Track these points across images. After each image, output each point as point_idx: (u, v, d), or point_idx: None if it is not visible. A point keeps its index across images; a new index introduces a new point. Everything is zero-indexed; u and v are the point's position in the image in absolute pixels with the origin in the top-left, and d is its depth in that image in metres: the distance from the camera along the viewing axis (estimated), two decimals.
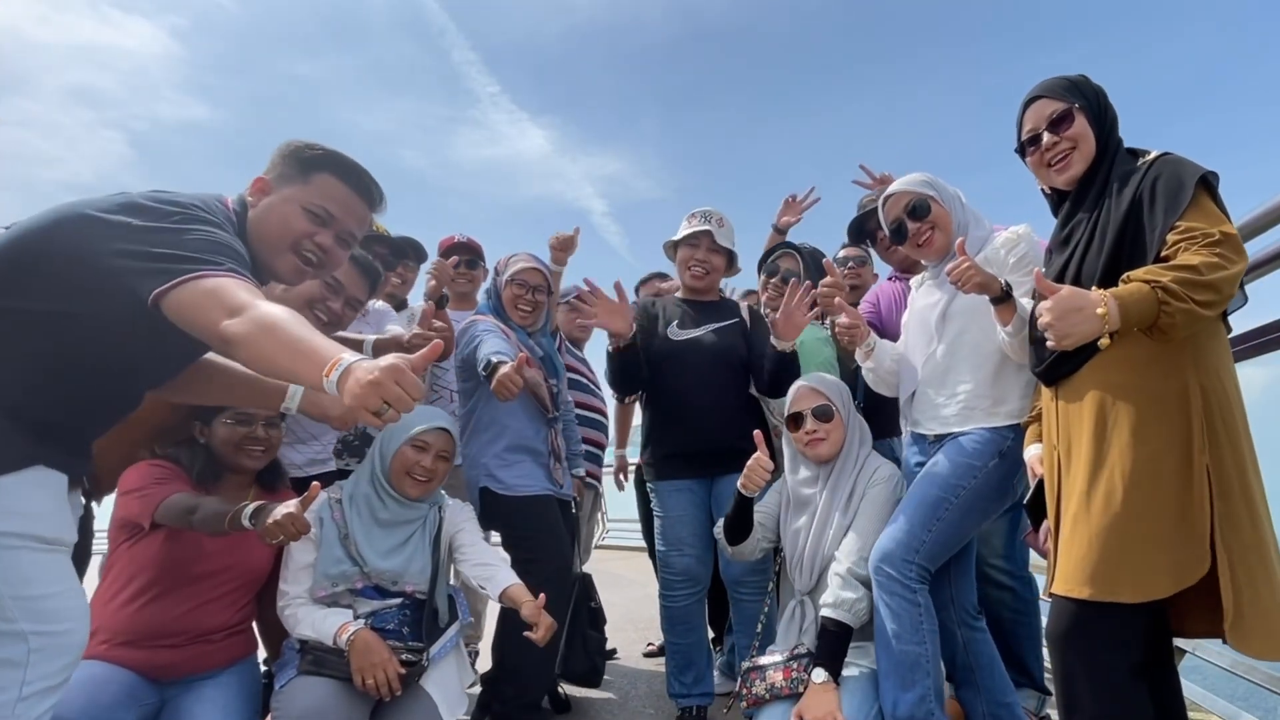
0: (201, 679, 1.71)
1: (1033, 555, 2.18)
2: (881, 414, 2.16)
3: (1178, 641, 1.73)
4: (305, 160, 1.34)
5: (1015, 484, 1.72)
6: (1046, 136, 1.49)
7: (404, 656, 1.68)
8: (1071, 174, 1.49)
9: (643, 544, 3.23)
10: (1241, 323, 1.64)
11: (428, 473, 1.86)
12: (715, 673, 2.49)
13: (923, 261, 1.97)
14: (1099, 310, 1.22)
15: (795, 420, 1.99)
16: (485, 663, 2.30)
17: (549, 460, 2.30)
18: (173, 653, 1.66)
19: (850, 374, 2.23)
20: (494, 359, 1.97)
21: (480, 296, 2.62)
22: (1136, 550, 1.24)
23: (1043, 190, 1.60)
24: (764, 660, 1.82)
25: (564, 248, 2.56)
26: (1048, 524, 1.43)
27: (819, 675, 1.69)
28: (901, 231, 1.88)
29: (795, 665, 1.76)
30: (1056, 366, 1.42)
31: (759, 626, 2.08)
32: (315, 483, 1.55)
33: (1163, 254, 1.28)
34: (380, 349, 2.05)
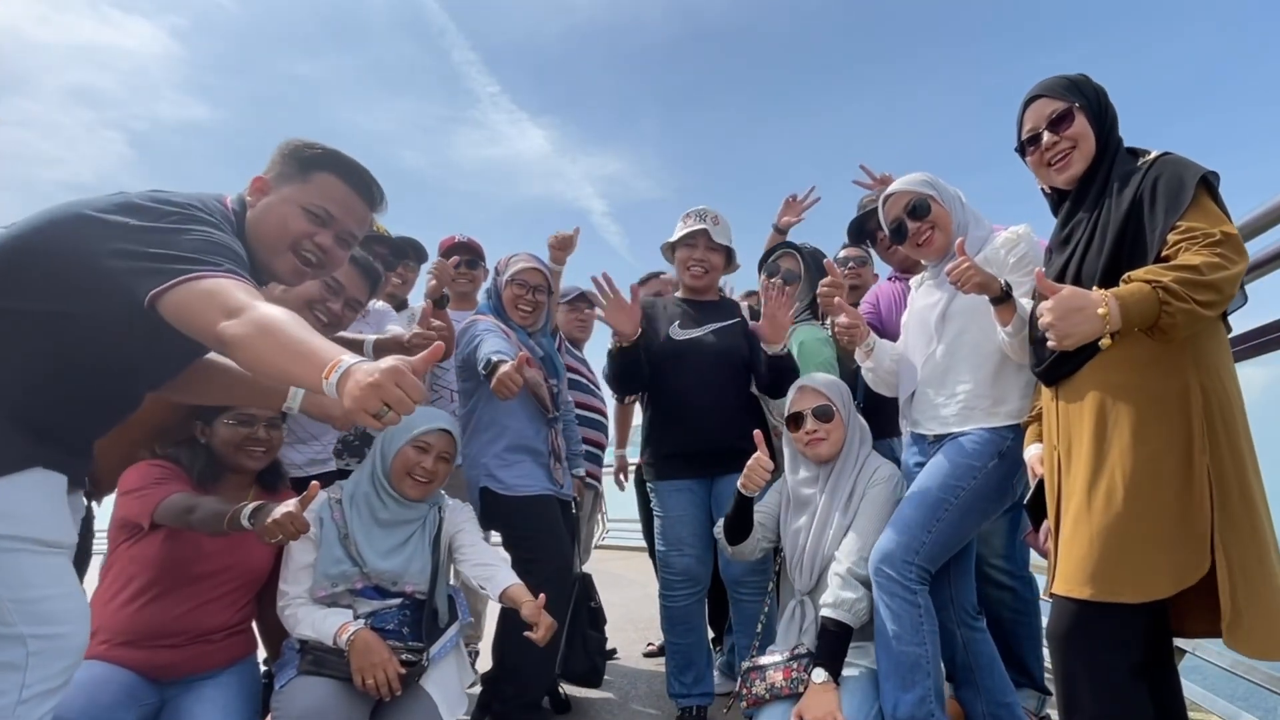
0: (201, 679, 1.71)
1: (1033, 555, 2.18)
2: (881, 414, 2.16)
3: (1178, 641, 1.72)
4: (305, 159, 1.33)
5: (1015, 484, 1.72)
6: (1046, 136, 1.49)
7: (404, 656, 1.68)
8: (1071, 173, 1.49)
9: (643, 544, 3.24)
10: (1241, 323, 1.65)
11: (429, 474, 1.86)
12: (715, 673, 2.49)
13: (923, 261, 1.97)
14: (1100, 310, 1.22)
15: (795, 420, 1.99)
16: (485, 663, 2.30)
17: (549, 460, 2.30)
18: (173, 653, 1.66)
19: (850, 374, 2.23)
20: (494, 358, 1.97)
21: (480, 296, 2.62)
22: (1137, 550, 1.24)
23: (1043, 190, 1.60)
24: (764, 660, 1.82)
25: (563, 247, 2.56)
26: (1048, 524, 1.43)
27: (819, 675, 1.69)
28: (901, 231, 1.88)
29: (795, 665, 1.76)
30: (1057, 366, 1.41)
31: (759, 626, 2.08)
32: (314, 482, 1.55)
33: (1163, 254, 1.28)
34: (380, 349, 2.04)
